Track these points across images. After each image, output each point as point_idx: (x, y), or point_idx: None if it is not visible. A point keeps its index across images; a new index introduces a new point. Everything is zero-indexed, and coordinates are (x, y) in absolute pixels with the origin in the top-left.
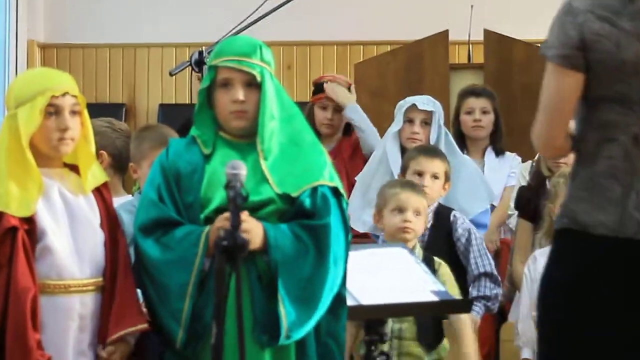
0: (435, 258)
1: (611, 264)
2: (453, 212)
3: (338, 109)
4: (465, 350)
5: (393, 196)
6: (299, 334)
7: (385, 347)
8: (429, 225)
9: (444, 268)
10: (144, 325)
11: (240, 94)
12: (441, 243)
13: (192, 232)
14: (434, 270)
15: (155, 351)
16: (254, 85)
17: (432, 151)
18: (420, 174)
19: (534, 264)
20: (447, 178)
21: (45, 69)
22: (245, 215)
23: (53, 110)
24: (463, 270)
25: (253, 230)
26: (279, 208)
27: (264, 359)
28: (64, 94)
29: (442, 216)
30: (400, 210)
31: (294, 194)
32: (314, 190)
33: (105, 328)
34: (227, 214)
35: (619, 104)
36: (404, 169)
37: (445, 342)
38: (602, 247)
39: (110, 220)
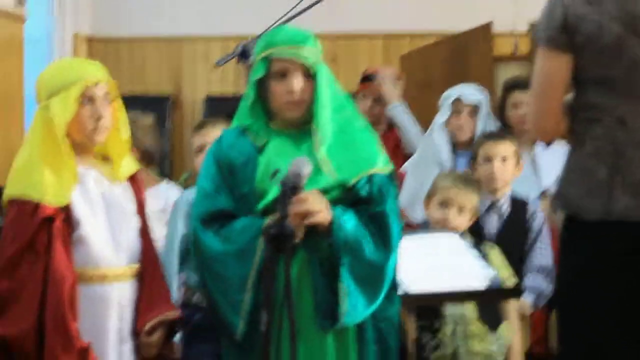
0: (487, 242)
1: (604, 247)
2: (530, 205)
3: (378, 100)
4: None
5: (442, 189)
6: (359, 317)
7: (448, 331)
8: (506, 214)
9: (494, 251)
10: (176, 314)
11: (297, 84)
12: (515, 233)
13: (252, 225)
14: (484, 254)
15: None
16: (308, 75)
17: (497, 135)
18: (488, 159)
19: None
20: (518, 158)
21: (75, 58)
22: (314, 193)
23: (87, 98)
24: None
25: (323, 205)
26: (336, 196)
27: (326, 344)
28: (96, 83)
29: (518, 207)
30: (445, 204)
31: (350, 182)
32: (370, 178)
33: (139, 315)
34: (295, 198)
35: (603, 86)
36: (474, 158)
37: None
38: (594, 231)
39: (142, 208)
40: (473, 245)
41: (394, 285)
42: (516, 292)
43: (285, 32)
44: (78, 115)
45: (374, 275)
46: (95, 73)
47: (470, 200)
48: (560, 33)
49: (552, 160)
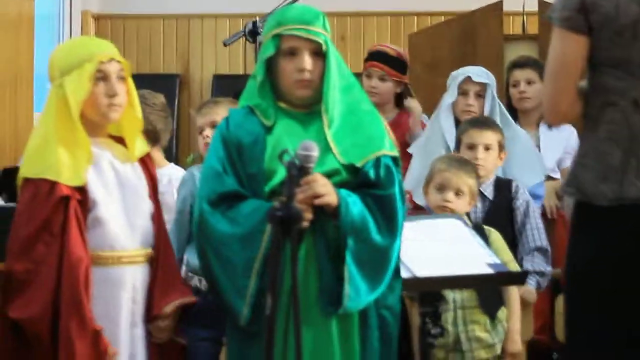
0: (485, 226)
1: (617, 232)
2: (514, 183)
3: (382, 78)
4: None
5: (438, 172)
6: (362, 303)
7: (449, 318)
8: (491, 197)
9: (495, 235)
10: (192, 298)
11: (307, 62)
12: (502, 214)
13: (260, 208)
14: (485, 239)
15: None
16: (318, 54)
17: (482, 122)
18: (472, 147)
19: None
20: (502, 148)
21: (86, 37)
22: (319, 176)
23: (101, 76)
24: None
25: (329, 188)
26: (344, 179)
27: (330, 328)
28: (110, 60)
29: (503, 187)
30: (443, 188)
31: (358, 164)
32: (377, 160)
33: (153, 299)
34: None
35: (619, 69)
36: (458, 143)
37: (504, 308)
38: (607, 217)
39: (155, 191)
40: (473, 229)
41: (396, 271)
42: (521, 277)
43: (296, 10)
44: (92, 93)
45: (379, 259)
46: (107, 50)
47: (466, 182)
48: (577, 14)
49: (553, 143)
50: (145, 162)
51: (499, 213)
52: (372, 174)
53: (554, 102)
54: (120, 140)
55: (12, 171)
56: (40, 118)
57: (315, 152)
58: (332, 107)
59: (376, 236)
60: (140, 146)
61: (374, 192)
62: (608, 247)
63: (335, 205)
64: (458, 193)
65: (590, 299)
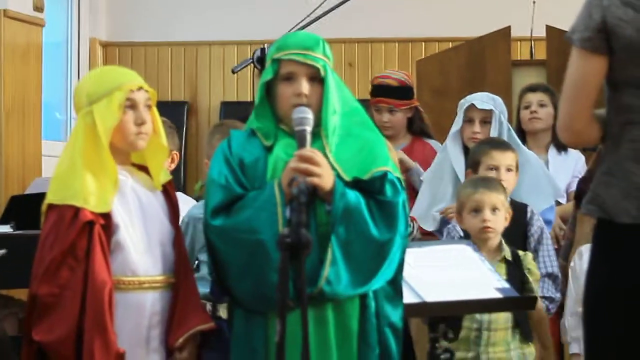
0: (519, 251)
1: (638, 251)
2: (529, 208)
3: (391, 110)
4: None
5: (468, 197)
6: (341, 291)
7: (472, 337)
8: None
9: (528, 257)
10: (211, 324)
11: (304, 87)
12: (516, 239)
13: (263, 188)
14: (520, 261)
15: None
16: (316, 79)
17: (503, 144)
18: (495, 168)
19: (580, 260)
20: (517, 169)
21: (113, 66)
22: (319, 155)
23: (130, 104)
24: None
25: (326, 169)
26: None
27: (330, 345)
28: (138, 89)
29: (518, 212)
30: (478, 210)
31: (364, 178)
32: (384, 174)
33: (172, 327)
34: (297, 152)
35: None
36: (475, 165)
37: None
38: (628, 236)
39: (176, 217)
40: (511, 255)
41: (399, 289)
42: (530, 301)
43: (296, 36)
44: (121, 121)
45: (372, 252)
46: (136, 79)
47: (498, 199)
48: (598, 34)
49: (562, 168)
50: (167, 189)
51: (513, 237)
52: (376, 185)
53: (570, 120)
54: (141, 168)
55: (21, 199)
56: (67, 145)
57: (309, 115)
58: (331, 132)
59: (372, 227)
60: (163, 173)
61: (376, 197)
62: (630, 265)
63: (328, 189)
64: (494, 210)
65: (610, 318)
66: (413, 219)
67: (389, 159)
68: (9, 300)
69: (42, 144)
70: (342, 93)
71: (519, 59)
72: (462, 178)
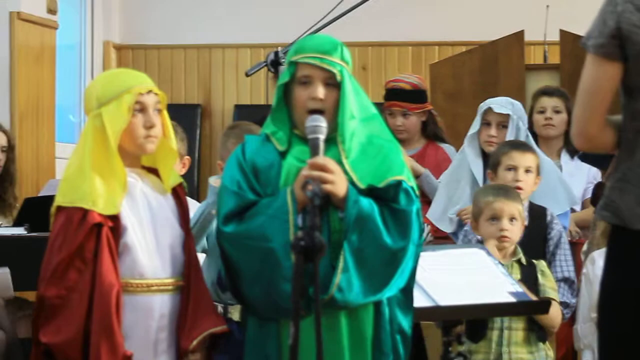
0: (534, 260)
1: None
2: (549, 211)
3: (405, 114)
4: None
5: (487, 205)
6: (353, 299)
7: (494, 336)
8: (525, 223)
9: (542, 263)
10: (224, 327)
11: (319, 91)
12: (536, 242)
13: (276, 196)
14: (534, 265)
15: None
16: (333, 84)
17: (523, 145)
18: (513, 168)
19: (592, 265)
20: (538, 172)
21: (124, 69)
22: (332, 162)
23: (139, 107)
24: None
25: (339, 176)
26: None
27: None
28: (148, 92)
29: (538, 215)
30: (495, 218)
31: (378, 185)
32: (398, 183)
33: (184, 330)
34: (310, 160)
35: None
36: (495, 165)
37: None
38: None
39: (187, 220)
40: (526, 263)
41: (410, 296)
42: (544, 306)
43: (315, 39)
44: (130, 124)
45: (384, 259)
46: (146, 82)
47: (516, 208)
48: (612, 40)
49: (575, 174)
50: (177, 192)
51: (532, 240)
52: (390, 193)
53: (584, 124)
54: (152, 170)
55: (35, 201)
56: (76, 148)
57: (323, 123)
58: (348, 138)
59: (384, 235)
60: (173, 176)
61: (390, 204)
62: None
63: (342, 196)
64: (511, 220)
65: (624, 325)
66: (426, 221)
67: (405, 167)
68: (23, 303)
69: (56, 147)
70: (360, 99)
71: (532, 63)
72: (479, 180)
